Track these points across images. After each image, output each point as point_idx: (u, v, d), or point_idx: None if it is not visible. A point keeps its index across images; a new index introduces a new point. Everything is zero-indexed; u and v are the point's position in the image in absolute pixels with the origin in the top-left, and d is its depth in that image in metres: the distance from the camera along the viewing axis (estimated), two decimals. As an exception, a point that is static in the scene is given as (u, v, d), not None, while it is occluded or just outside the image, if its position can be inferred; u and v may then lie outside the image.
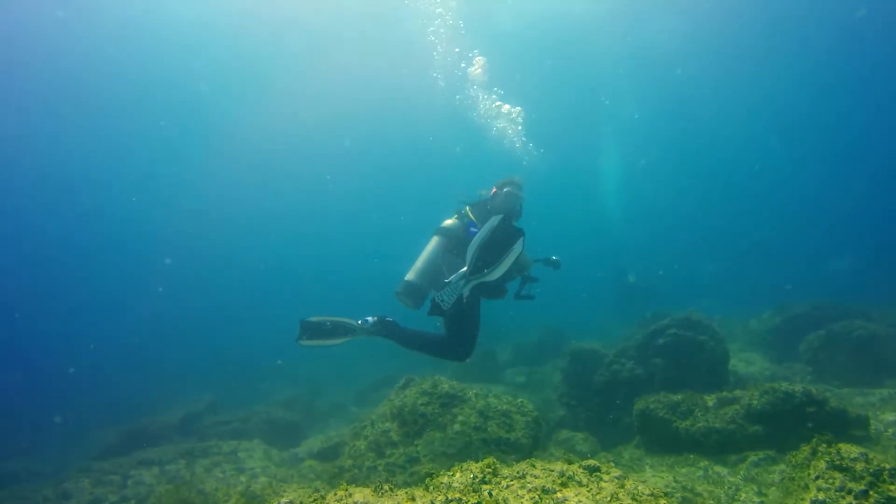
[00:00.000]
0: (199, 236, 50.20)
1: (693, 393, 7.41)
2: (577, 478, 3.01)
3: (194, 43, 32.98)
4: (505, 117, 13.87)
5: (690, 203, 51.80)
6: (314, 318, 5.72)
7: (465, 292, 5.30)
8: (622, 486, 2.98)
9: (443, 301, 5.25)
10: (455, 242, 6.05)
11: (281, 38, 32.32)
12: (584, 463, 3.21)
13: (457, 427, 6.74)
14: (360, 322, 5.78)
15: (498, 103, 13.92)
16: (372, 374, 16.50)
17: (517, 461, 6.61)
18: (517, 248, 5.13)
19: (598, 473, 3.12)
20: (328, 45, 33.03)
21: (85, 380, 22.70)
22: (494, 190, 6.53)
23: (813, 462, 4.16)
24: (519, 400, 7.46)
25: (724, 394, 7.20)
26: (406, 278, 5.99)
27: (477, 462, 3.40)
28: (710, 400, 7.19)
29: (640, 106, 36.94)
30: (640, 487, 3.00)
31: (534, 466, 3.20)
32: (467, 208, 6.31)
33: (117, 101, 37.22)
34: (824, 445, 4.21)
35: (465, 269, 5.17)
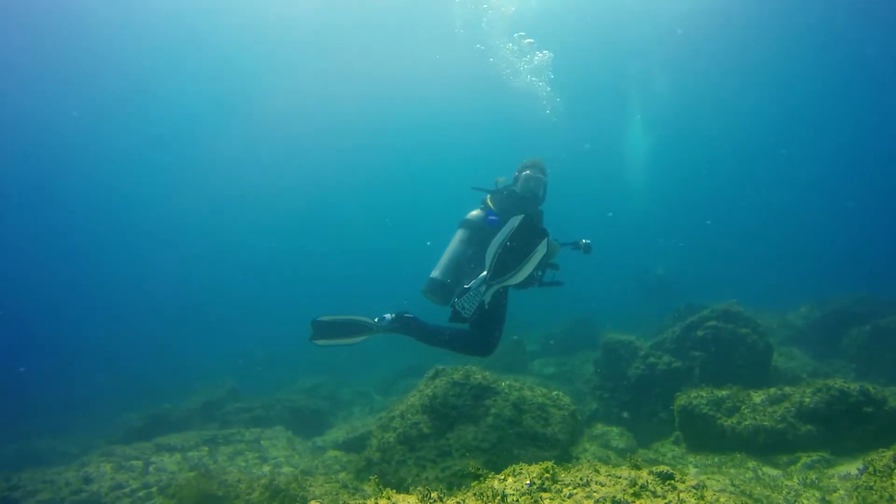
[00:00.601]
0: (220, 226, 50.44)
1: (739, 388, 7.03)
2: (650, 487, 2.66)
3: (201, 38, 32.76)
4: (529, 59, 13.10)
5: (719, 188, 50.18)
6: (326, 318, 5.42)
7: (487, 298, 4.95)
8: (702, 498, 2.63)
9: (463, 309, 4.90)
10: (475, 234, 5.75)
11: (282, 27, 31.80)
12: (656, 469, 2.86)
13: (490, 420, 6.43)
14: (376, 320, 5.47)
15: (520, 33, 13.17)
16: (395, 362, 16.29)
17: (555, 457, 6.31)
18: (541, 251, 4.76)
19: (672, 482, 2.77)
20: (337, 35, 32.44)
21: (111, 363, 22.83)
22: (516, 174, 6.21)
23: (896, 470, 3.76)
24: (554, 392, 7.13)
25: (773, 390, 6.81)
26: (431, 275, 5.71)
27: (530, 464, 3.07)
28: (758, 396, 6.80)
29: (670, 79, 34.52)
30: (721, 499, 2.65)
31: (598, 472, 2.86)
32: (487, 197, 6.00)
33: (124, 95, 36.98)
34: (909, 452, 3.81)
35: (484, 273, 4.81)
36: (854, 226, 47.68)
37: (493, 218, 5.73)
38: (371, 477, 5.59)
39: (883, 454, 4.00)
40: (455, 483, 5.66)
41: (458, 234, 5.94)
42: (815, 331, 12.25)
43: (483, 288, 4.88)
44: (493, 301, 5.14)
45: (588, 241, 6.28)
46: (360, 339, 5.46)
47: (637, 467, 2.93)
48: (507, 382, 7.19)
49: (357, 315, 5.45)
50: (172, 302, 41.82)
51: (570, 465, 3.20)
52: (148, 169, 45.71)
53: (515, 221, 4.63)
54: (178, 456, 7.89)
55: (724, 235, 48.82)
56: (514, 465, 3.10)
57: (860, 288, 14.27)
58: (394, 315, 5.46)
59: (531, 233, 4.73)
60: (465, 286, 4.91)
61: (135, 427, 10.57)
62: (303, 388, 14.51)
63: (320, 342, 5.38)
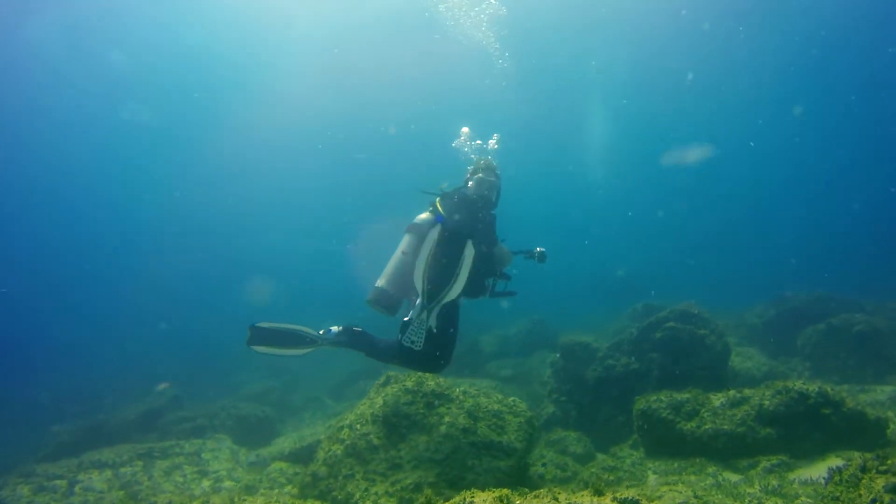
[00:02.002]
0: (167, 221, 48.74)
1: (699, 391, 6.90)
2: (614, 518, 2.35)
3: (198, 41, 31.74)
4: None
5: (677, 184, 50.11)
6: (265, 324, 5.01)
7: (433, 322, 4.61)
8: (671, 529, 2.34)
9: (412, 343, 4.55)
10: (420, 241, 5.41)
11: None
12: (620, 495, 2.56)
13: (443, 429, 6.09)
14: (321, 332, 5.09)
15: None
16: (348, 365, 15.78)
17: (510, 467, 6.02)
18: (468, 255, 4.49)
19: (639, 510, 2.48)
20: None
21: (44, 371, 21.56)
22: (468, 176, 5.91)
23: (864, 481, 3.56)
24: (511, 399, 6.84)
25: (732, 393, 6.68)
26: (376, 284, 5.36)
27: (484, 490, 2.74)
28: (717, 399, 6.66)
29: (632, 61, 32.50)
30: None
31: (557, 500, 2.54)
32: (437, 200, 5.67)
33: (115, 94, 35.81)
34: (875, 461, 3.62)
35: (419, 300, 4.46)
36: (811, 226, 48.65)
37: None
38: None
39: (850, 460, 3.82)
40: (406, 498, 5.31)
41: (405, 241, 5.58)
42: (771, 330, 12.36)
43: (424, 315, 4.52)
44: (443, 319, 4.81)
45: (542, 250, 6.03)
46: (303, 352, 5.08)
47: (600, 493, 2.63)
48: (462, 388, 6.88)
49: (301, 326, 5.07)
50: (123, 304, 40.12)
51: (527, 490, 2.89)
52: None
53: (434, 234, 4.33)
54: (108, 472, 7.29)
55: (683, 233, 49.38)
56: (465, 492, 2.78)
57: (814, 287, 14.50)
58: (341, 328, 5.09)
59: (453, 240, 4.44)
60: (405, 319, 4.53)
61: (65, 441, 9.81)
62: (251, 393, 13.90)
63: (259, 349, 4.97)
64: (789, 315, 12.34)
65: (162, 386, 13.70)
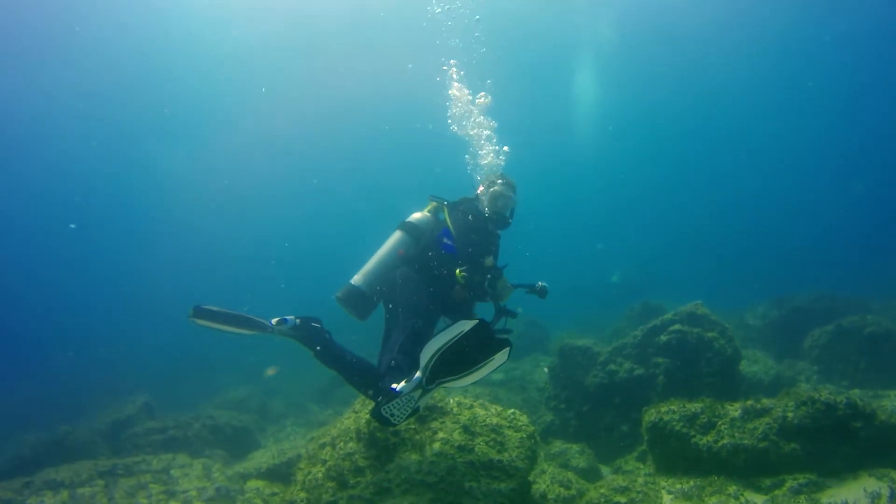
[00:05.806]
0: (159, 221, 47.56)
1: (713, 401, 6.32)
2: None
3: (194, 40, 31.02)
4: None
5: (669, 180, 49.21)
6: (212, 307, 4.40)
7: (424, 403, 4.15)
8: None
9: (392, 416, 3.98)
10: (419, 250, 4.89)
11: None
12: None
13: (437, 447, 5.47)
14: (274, 321, 4.47)
15: None
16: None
17: (512, 490, 5.42)
18: (498, 360, 4.02)
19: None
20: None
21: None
22: (481, 188, 5.35)
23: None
24: (510, 411, 6.22)
25: (750, 403, 6.11)
26: (352, 281, 4.79)
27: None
28: (735, 410, 6.09)
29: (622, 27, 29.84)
30: None
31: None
32: (445, 208, 5.10)
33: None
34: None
35: (418, 374, 3.88)
36: (805, 222, 48.31)
37: (448, 243, 4.81)
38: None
39: (883, 478, 3.27)
40: (395, 528, 4.69)
41: (397, 239, 4.95)
42: (774, 331, 11.98)
43: (417, 393, 3.95)
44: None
45: (544, 284, 5.48)
46: (248, 332, 4.46)
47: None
48: (457, 399, 6.25)
49: (251, 315, 4.47)
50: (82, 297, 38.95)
51: None
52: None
53: (465, 326, 3.75)
54: (64, 494, 6.59)
55: (674, 231, 48.97)
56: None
57: (813, 286, 14.13)
58: (299, 320, 4.47)
59: (488, 343, 3.90)
60: (395, 387, 3.92)
61: (22, 455, 9.04)
62: (229, 400, 13.11)
63: (200, 321, 4.34)
64: (794, 316, 11.93)
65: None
